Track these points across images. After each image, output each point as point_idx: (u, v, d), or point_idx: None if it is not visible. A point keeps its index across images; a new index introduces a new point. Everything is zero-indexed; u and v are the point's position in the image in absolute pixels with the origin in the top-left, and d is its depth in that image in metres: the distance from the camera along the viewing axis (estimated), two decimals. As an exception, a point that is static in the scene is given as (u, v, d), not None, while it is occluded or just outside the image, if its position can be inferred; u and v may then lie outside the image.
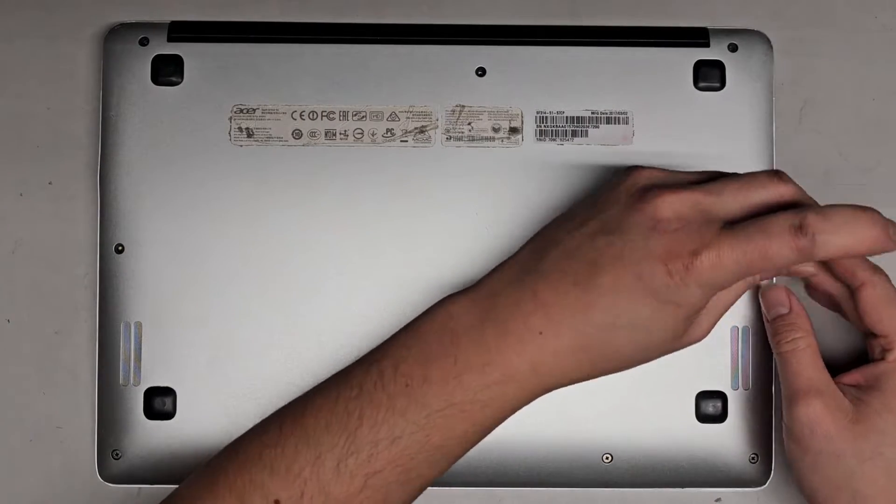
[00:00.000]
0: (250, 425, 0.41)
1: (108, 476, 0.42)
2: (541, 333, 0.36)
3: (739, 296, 0.39)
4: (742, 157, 0.42)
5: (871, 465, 0.37)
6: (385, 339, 0.38)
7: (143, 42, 0.43)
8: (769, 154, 0.42)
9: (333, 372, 0.41)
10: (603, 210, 0.37)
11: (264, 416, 0.41)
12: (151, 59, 0.42)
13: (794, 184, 0.37)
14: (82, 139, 0.44)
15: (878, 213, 0.35)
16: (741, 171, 0.38)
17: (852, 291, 0.39)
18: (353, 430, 0.35)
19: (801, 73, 0.44)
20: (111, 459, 0.42)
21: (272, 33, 0.43)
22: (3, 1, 0.44)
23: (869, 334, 0.39)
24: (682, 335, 0.37)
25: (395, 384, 0.36)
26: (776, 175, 0.37)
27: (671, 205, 0.35)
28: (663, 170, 0.38)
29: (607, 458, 0.42)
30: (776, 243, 0.34)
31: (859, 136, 0.44)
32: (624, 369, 0.37)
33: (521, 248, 0.38)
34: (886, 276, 0.39)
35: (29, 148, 0.44)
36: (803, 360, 0.39)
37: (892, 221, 0.35)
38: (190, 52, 0.42)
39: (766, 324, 0.41)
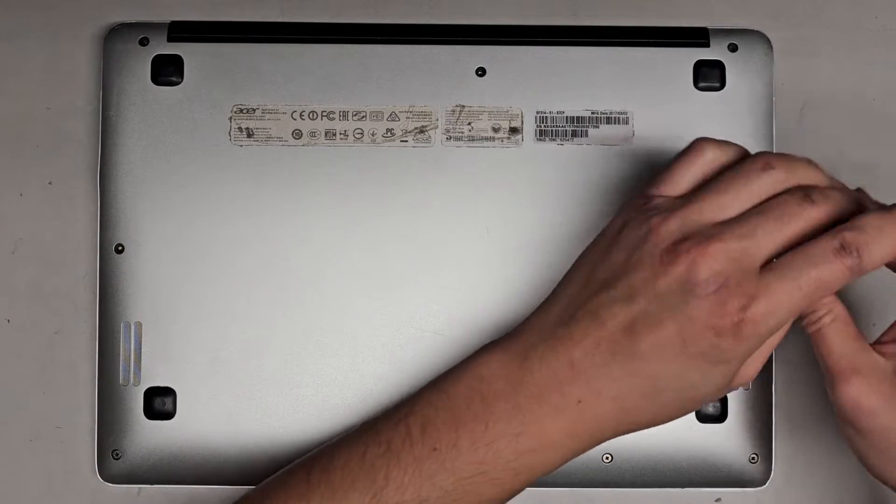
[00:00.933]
0: (250, 425, 0.41)
1: (108, 476, 0.42)
2: (580, 402, 0.34)
3: (783, 335, 0.35)
4: (742, 157, 0.42)
5: None
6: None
7: (143, 42, 0.43)
8: (769, 154, 0.42)
9: (332, 373, 0.42)
10: (629, 271, 0.34)
11: (264, 417, 0.41)
12: (151, 59, 0.42)
13: (825, 196, 0.34)
14: (82, 139, 0.44)
15: None
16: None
17: None
18: (379, 489, 0.34)
19: (801, 73, 0.44)
20: (111, 459, 0.42)
21: (272, 33, 0.43)
22: (3, 1, 0.44)
23: None
24: (728, 384, 0.35)
25: (422, 446, 0.35)
26: (807, 199, 0.34)
27: (705, 265, 0.33)
28: (675, 210, 0.34)
29: (607, 458, 0.42)
30: (827, 270, 0.33)
31: (859, 136, 0.44)
32: (666, 423, 0.36)
33: (552, 296, 0.36)
34: None
35: (29, 148, 0.44)
36: (833, 337, 0.35)
37: None
38: (190, 52, 0.42)
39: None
